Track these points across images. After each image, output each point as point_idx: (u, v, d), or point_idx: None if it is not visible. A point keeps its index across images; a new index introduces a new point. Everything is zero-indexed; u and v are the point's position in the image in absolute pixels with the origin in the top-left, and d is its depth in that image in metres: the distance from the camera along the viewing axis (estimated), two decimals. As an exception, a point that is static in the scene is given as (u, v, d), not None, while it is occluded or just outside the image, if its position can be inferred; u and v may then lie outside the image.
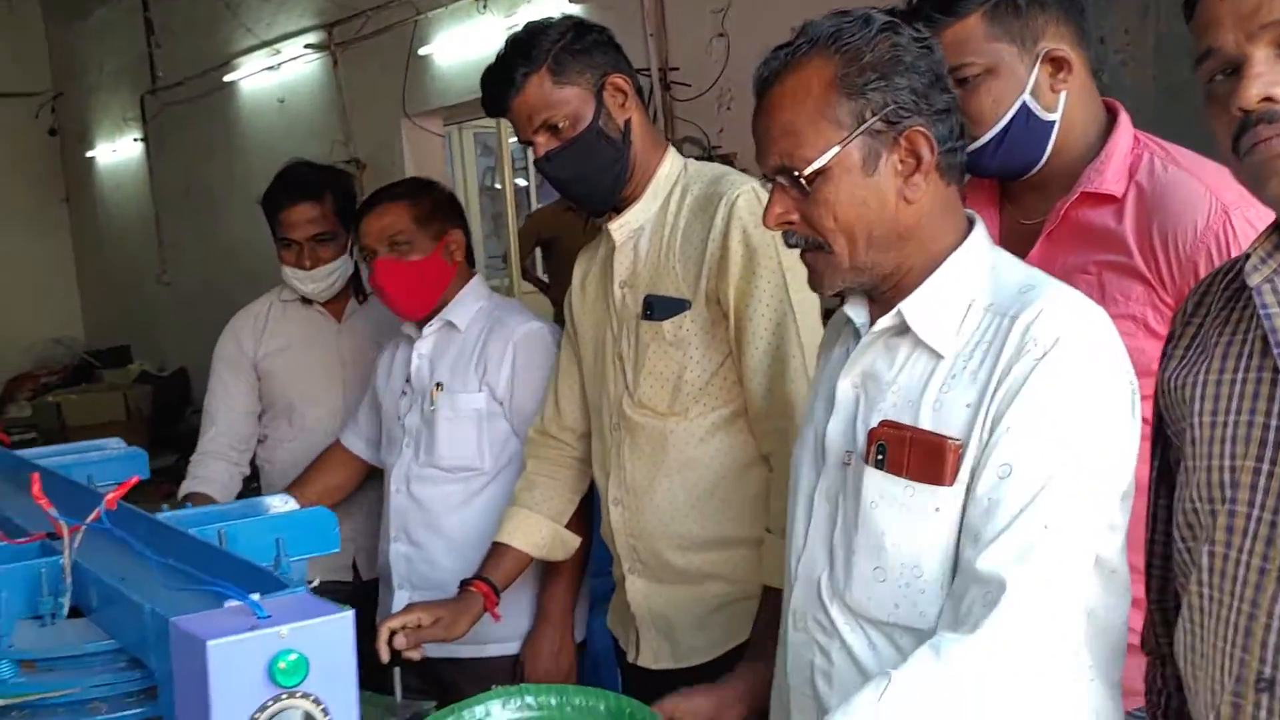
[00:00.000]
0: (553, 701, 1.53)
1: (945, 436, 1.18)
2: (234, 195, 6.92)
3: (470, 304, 2.38)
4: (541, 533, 2.15)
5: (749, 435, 1.86)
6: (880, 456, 1.22)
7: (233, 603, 0.99)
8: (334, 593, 2.53)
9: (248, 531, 1.32)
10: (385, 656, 1.88)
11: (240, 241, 6.76)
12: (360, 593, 2.62)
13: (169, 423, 7.70)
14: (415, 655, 1.94)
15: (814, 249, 1.29)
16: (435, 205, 2.37)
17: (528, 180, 9.21)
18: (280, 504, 1.46)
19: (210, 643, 0.91)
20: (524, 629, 2.38)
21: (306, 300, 2.77)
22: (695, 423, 1.87)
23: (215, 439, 2.77)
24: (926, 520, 1.19)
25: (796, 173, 1.25)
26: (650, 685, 1.82)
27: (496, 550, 2.14)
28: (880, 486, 1.23)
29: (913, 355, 1.26)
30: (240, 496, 2.85)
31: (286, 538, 1.31)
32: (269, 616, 0.96)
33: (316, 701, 0.95)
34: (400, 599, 2.38)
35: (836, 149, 1.23)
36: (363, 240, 2.35)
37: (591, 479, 2.17)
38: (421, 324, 2.39)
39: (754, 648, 1.76)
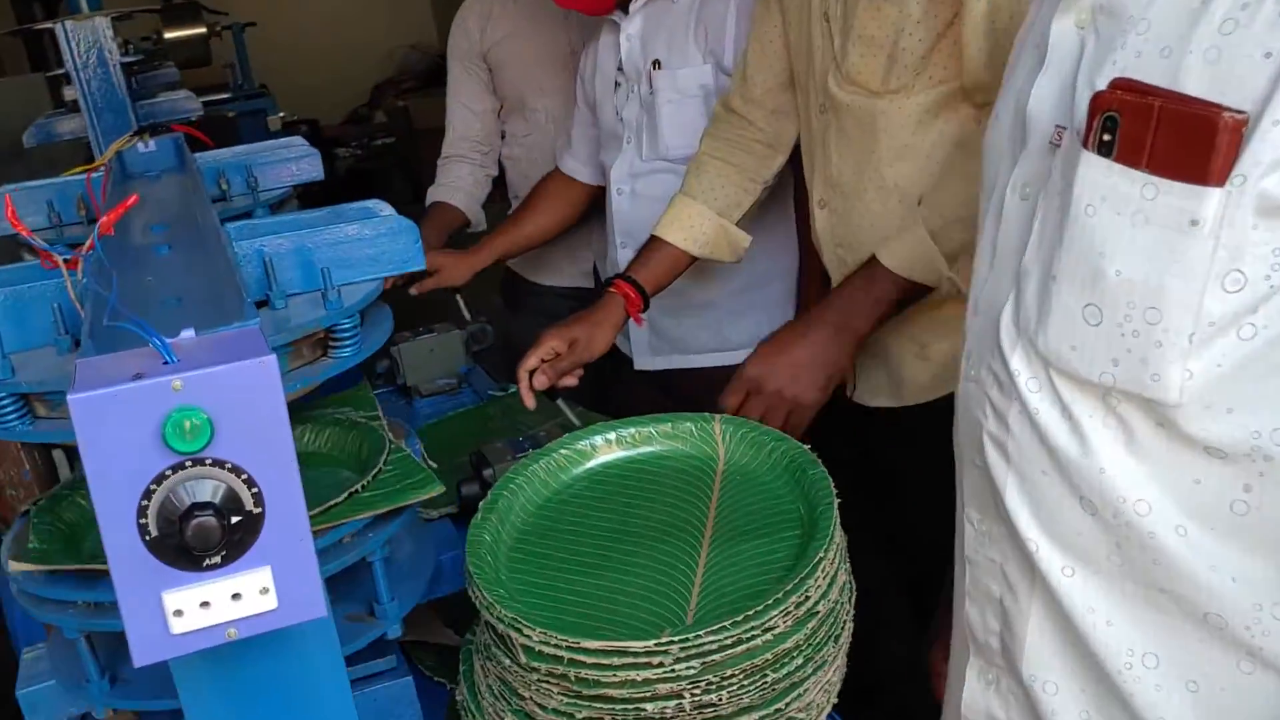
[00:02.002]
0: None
1: (1220, 107, 0.73)
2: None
3: None
4: (703, 227, 1.81)
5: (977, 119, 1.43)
6: (1108, 136, 0.79)
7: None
8: (575, 298, 2.38)
9: (298, 258, 1.10)
10: (530, 403, 1.67)
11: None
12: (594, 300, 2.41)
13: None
14: (570, 382, 1.72)
15: None
16: None
17: None
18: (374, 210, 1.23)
19: (71, 397, 0.70)
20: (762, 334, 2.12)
21: (535, -22, 2.47)
22: (914, 102, 1.45)
23: (456, 141, 2.60)
24: (1178, 238, 0.76)
25: None
26: (872, 430, 1.52)
27: (650, 245, 1.84)
28: (1104, 182, 0.79)
29: None
30: (490, 198, 2.71)
31: (338, 258, 1.09)
32: (176, 362, 0.74)
33: (235, 470, 0.74)
34: (638, 309, 2.16)
35: None
36: None
37: (784, 171, 1.82)
38: (625, 4, 2.03)
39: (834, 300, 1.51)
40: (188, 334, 0.79)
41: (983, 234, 0.97)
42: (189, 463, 0.72)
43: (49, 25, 2.77)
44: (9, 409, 0.98)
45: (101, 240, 0.99)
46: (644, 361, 2.20)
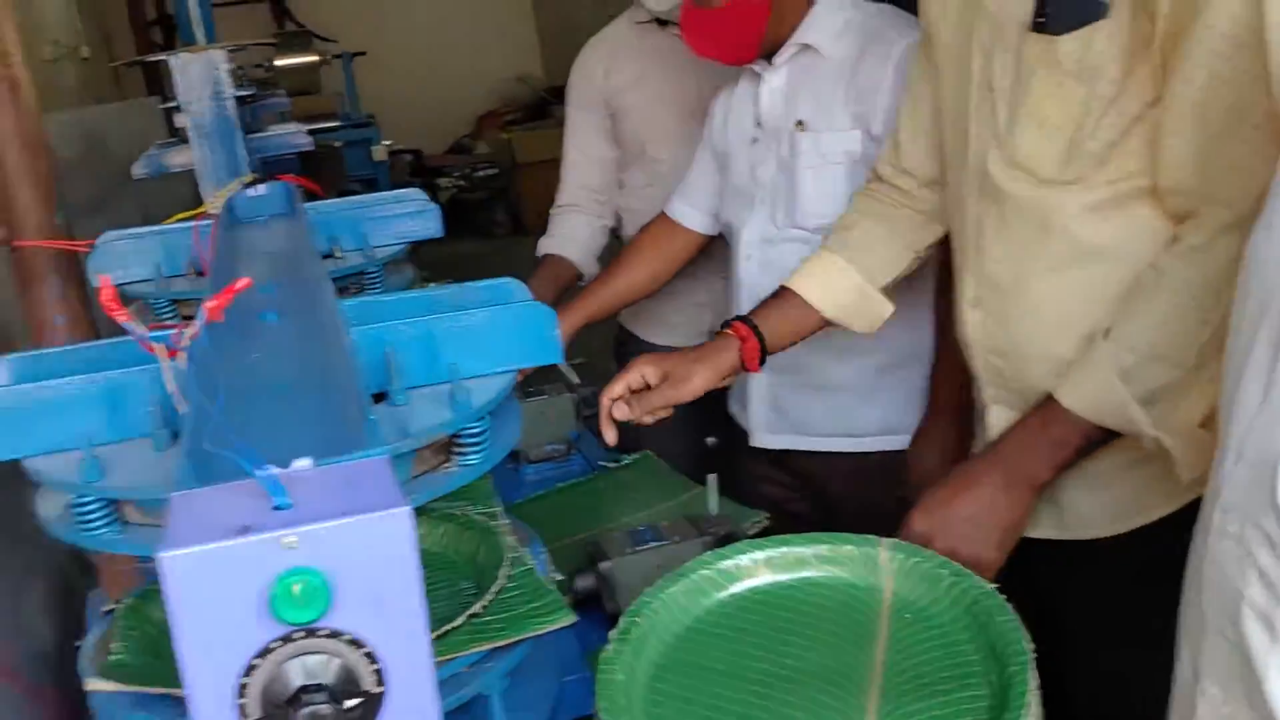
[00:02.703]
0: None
1: None
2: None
3: (831, 18, 1.82)
4: (843, 286, 1.61)
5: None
6: None
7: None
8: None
9: (422, 346, 0.97)
10: (610, 437, 1.51)
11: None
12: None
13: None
14: (648, 420, 1.55)
15: None
16: None
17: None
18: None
19: (163, 554, 0.57)
20: (910, 421, 1.94)
21: (661, 21, 2.34)
22: (1094, 197, 1.24)
23: (571, 190, 2.48)
24: None
25: None
26: (1030, 557, 1.34)
27: (777, 296, 1.64)
28: None
29: None
30: (606, 249, 2.58)
31: (467, 348, 0.96)
32: (289, 508, 0.62)
33: (355, 643, 0.61)
34: (760, 383, 2.01)
35: None
36: None
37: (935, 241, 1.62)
38: (770, 54, 1.88)
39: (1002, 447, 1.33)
40: (303, 465, 0.66)
41: (1250, 364, 0.80)
42: (300, 634, 0.59)
43: (164, 58, 2.71)
44: (96, 515, 0.86)
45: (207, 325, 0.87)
46: (761, 438, 2.04)
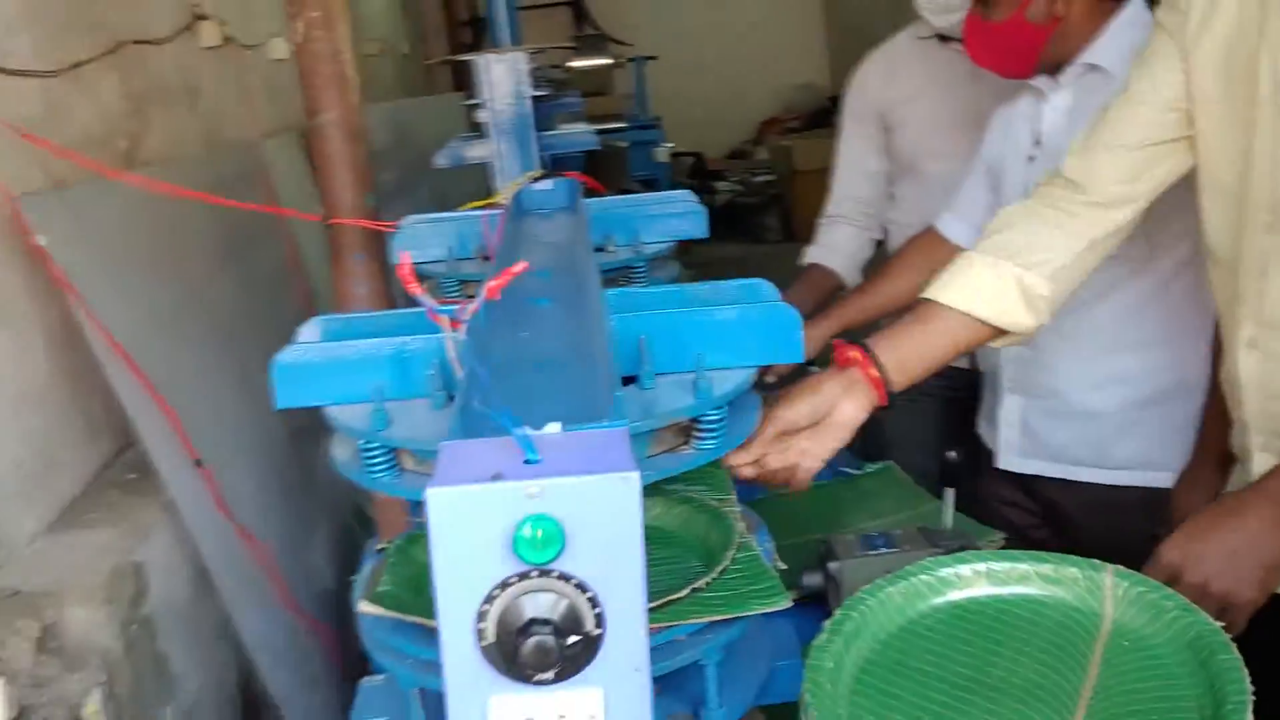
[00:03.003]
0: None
1: None
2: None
3: (1121, 39, 1.78)
4: (1002, 287, 1.42)
5: None
6: None
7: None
8: (949, 380, 2.24)
9: (672, 336, 1.05)
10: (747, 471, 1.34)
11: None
12: (965, 383, 2.25)
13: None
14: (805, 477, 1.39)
15: None
16: None
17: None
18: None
19: (430, 491, 0.67)
20: (1170, 458, 1.87)
21: (943, 37, 2.34)
22: None
23: (840, 201, 2.53)
24: None
25: None
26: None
27: (918, 311, 1.46)
28: None
29: None
30: (870, 262, 2.61)
31: (713, 341, 1.03)
32: (538, 462, 0.71)
33: (581, 587, 0.69)
34: (1010, 405, 2.00)
35: None
36: None
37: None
38: (1053, 70, 1.86)
39: None
40: (553, 429, 0.75)
41: None
42: (535, 573, 0.68)
43: (472, 57, 2.94)
44: (379, 460, 0.99)
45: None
46: (1008, 461, 2.02)
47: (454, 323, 0.99)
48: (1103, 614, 1.06)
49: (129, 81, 2.94)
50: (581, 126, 3.59)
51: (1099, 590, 1.07)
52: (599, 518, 0.68)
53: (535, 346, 1.05)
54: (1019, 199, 1.93)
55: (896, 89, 2.42)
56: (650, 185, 6.89)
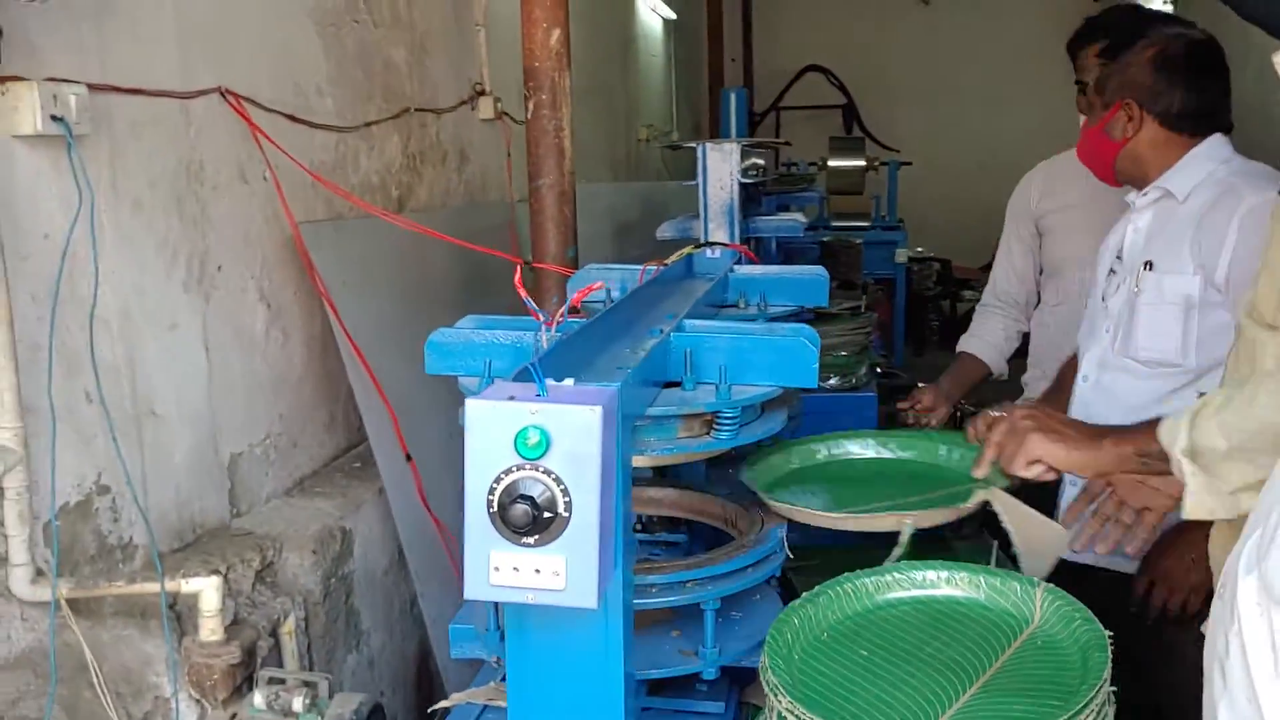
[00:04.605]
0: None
1: None
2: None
3: (1196, 169, 1.98)
4: None
5: None
6: None
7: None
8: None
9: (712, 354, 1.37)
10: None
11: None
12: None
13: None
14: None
15: None
16: (1118, 64, 2.04)
17: None
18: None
19: (470, 400, 1.03)
20: None
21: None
22: None
23: (995, 293, 2.76)
24: None
25: None
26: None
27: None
28: None
29: None
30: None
31: (741, 362, 1.35)
32: (542, 396, 1.05)
33: (557, 480, 1.02)
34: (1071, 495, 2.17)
35: None
36: None
37: None
38: (1140, 185, 2.08)
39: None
40: (568, 382, 1.09)
41: None
42: (529, 465, 1.02)
43: (693, 145, 3.36)
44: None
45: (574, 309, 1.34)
46: None
47: (548, 322, 1.35)
48: (1030, 619, 1.29)
49: (409, 141, 3.52)
50: (789, 217, 3.97)
51: (1032, 601, 1.30)
52: (573, 434, 1.01)
53: (591, 343, 1.38)
54: (1098, 308, 2.13)
55: (1053, 198, 2.65)
56: (886, 283, 7.15)
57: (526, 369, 1.08)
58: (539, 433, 1.01)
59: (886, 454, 1.87)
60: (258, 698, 1.97)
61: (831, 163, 7.45)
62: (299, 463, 2.83)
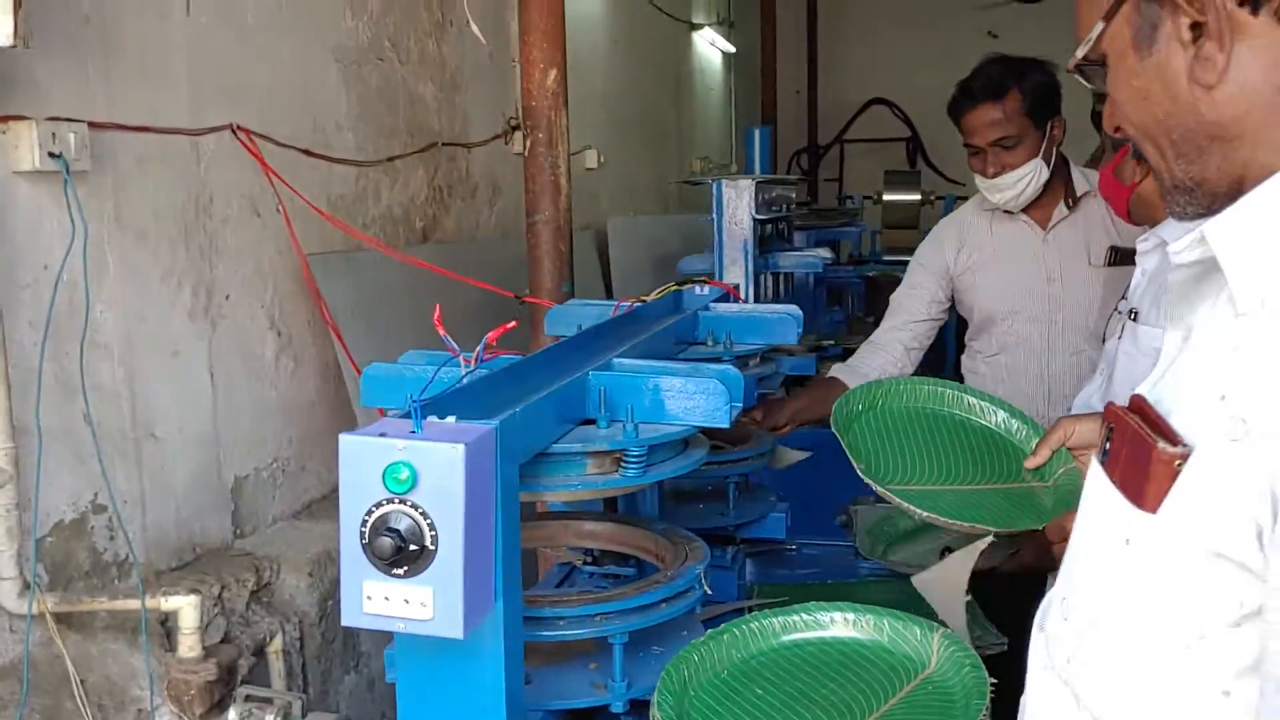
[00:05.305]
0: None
1: (1161, 437, 0.76)
2: None
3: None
4: None
5: None
6: (1106, 446, 0.83)
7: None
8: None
9: (629, 394, 1.41)
10: None
11: None
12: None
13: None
14: None
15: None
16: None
17: None
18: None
19: (342, 436, 1.08)
20: None
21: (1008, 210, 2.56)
22: None
23: (888, 332, 2.72)
24: (1112, 552, 0.79)
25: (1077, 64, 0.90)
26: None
27: None
28: (1093, 489, 0.84)
29: (1217, 304, 0.82)
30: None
31: (655, 402, 1.38)
32: (417, 433, 1.09)
33: (424, 514, 1.07)
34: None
35: (1100, 26, 0.85)
36: None
37: None
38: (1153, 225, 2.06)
39: None
40: (450, 419, 1.14)
41: None
42: (397, 500, 1.07)
43: (709, 180, 3.40)
44: (401, 446, 1.41)
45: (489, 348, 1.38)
46: None
47: (467, 360, 1.40)
48: (926, 664, 1.30)
49: (435, 174, 3.61)
50: (816, 253, 3.98)
51: (929, 646, 1.31)
52: (437, 470, 1.06)
53: (516, 383, 1.42)
54: (1117, 350, 2.11)
55: (967, 256, 2.63)
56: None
57: (413, 408, 1.13)
58: (407, 469, 1.06)
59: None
60: (232, 714, 2.04)
61: (886, 196, 7.43)
62: (306, 486, 2.91)
